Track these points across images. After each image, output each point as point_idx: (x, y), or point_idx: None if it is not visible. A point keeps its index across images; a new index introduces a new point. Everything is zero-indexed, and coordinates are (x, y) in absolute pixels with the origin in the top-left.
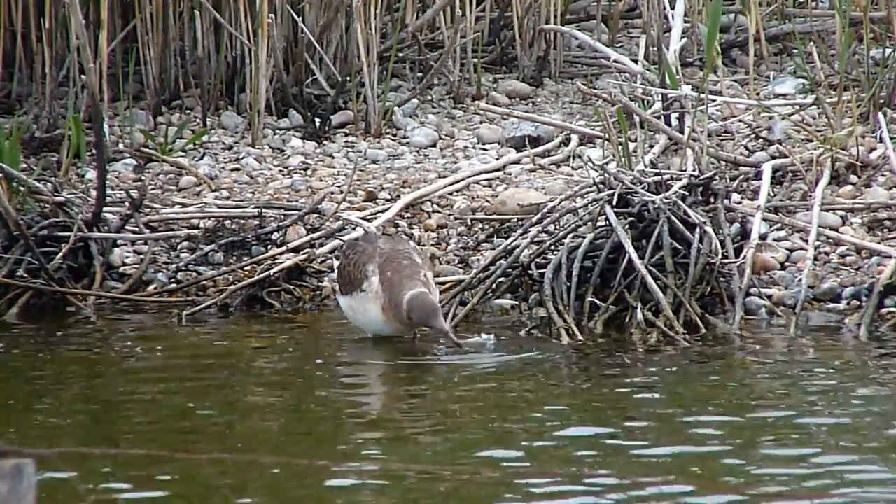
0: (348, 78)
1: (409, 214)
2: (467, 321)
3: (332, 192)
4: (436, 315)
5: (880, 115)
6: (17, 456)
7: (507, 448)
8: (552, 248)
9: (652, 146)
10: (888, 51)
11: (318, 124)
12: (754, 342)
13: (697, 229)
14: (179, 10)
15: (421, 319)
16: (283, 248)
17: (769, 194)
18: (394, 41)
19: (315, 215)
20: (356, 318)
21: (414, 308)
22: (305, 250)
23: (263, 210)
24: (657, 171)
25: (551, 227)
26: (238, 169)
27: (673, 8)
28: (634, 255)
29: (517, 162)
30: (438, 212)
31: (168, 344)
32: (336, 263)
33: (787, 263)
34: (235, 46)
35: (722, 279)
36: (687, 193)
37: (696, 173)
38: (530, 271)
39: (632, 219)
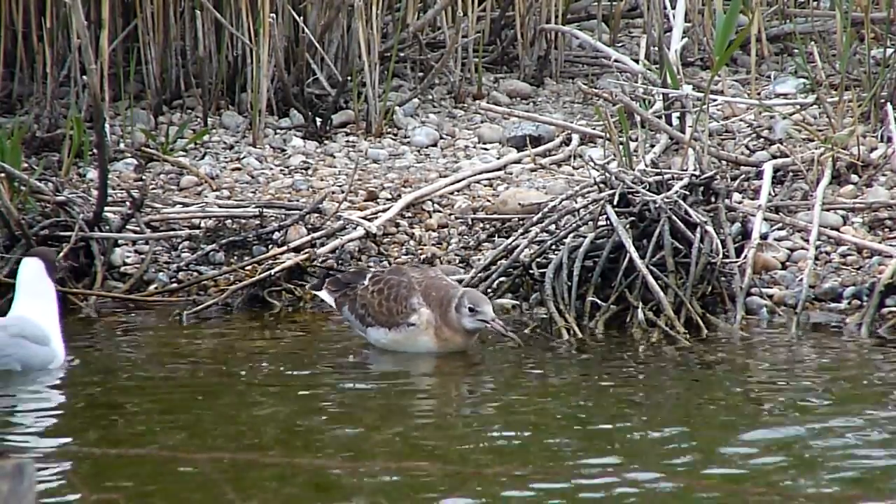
0: (349, 78)
1: (409, 214)
2: None
3: (333, 192)
4: (487, 302)
5: (889, 107)
6: (17, 456)
7: (507, 447)
8: (553, 247)
9: (653, 146)
10: (889, 51)
11: (319, 124)
12: (755, 341)
13: (698, 229)
14: (180, 10)
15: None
16: (284, 248)
17: (770, 194)
18: (395, 41)
19: (316, 215)
20: (400, 349)
21: (468, 297)
22: (306, 250)
23: (264, 210)
24: (658, 170)
25: (552, 227)
26: (239, 168)
27: (674, 8)
28: (635, 255)
29: (518, 161)
30: (439, 211)
31: (169, 343)
32: (361, 297)
33: (788, 263)
34: (236, 46)
35: (723, 279)
36: (688, 193)
37: (697, 173)
38: (531, 271)
39: (633, 218)
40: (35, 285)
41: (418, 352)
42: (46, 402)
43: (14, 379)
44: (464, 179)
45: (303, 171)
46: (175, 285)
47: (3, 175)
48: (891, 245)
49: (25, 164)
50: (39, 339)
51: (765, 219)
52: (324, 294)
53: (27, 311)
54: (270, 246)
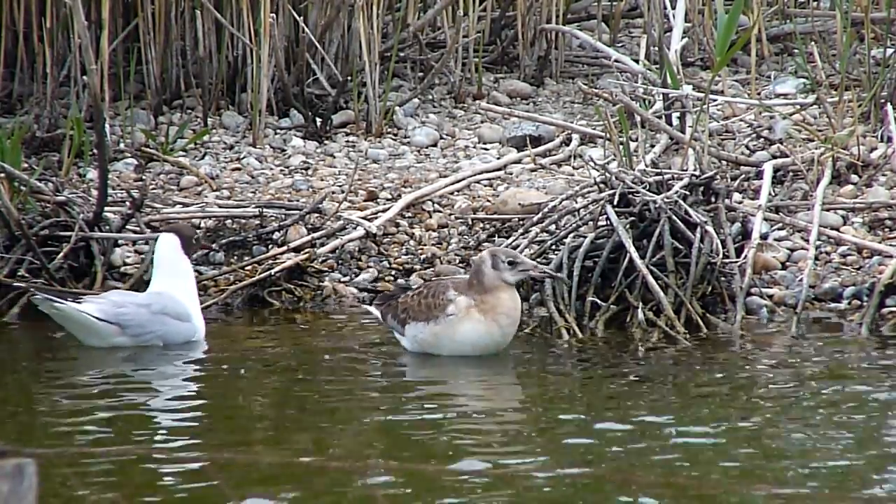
0: (349, 77)
1: (409, 214)
2: None
3: (333, 192)
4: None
5: (889, 107)
6: (17, 456)
7: (508, 447)
8: (553, 247)
9: (653, 146)
10: (889, 51)
11: (319, 124)
12: (755, 342)
13: (698, 229)
14: (181, 10)
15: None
16: (284, 248)
17: (770, 194)
18: (395, 41)
19: (316, 215)
20: (439, 344)
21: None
22: (306, 250)
23: (264, 210)
24: (658, 170)
25: (552, 227)
26: (239, 168)
27: (674, 8)
28: (635, 255)
29: (518, 161)
30: (439, 211)
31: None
32: (403, 302)
33: (788, 263)
34: (237, 46)
35: (723, 279)
36: (688, 193)
37: (697, 173)
38: None
39: (633, 218)
40: (172, 261)
41: (457, 349)
42: (46, 401)
43: (14, 378)
44: (464, 179)
45: (303, 171)
46: None
47: (3, 175)
48: (891, 245)
49: (25, 164)
50: (182, 316)
51: (765, 219)
52: (372, 308)
53: (167, 287)
54: (270, 246)
